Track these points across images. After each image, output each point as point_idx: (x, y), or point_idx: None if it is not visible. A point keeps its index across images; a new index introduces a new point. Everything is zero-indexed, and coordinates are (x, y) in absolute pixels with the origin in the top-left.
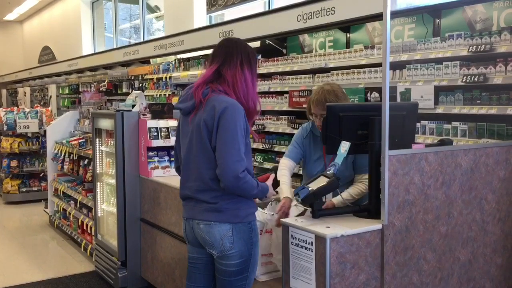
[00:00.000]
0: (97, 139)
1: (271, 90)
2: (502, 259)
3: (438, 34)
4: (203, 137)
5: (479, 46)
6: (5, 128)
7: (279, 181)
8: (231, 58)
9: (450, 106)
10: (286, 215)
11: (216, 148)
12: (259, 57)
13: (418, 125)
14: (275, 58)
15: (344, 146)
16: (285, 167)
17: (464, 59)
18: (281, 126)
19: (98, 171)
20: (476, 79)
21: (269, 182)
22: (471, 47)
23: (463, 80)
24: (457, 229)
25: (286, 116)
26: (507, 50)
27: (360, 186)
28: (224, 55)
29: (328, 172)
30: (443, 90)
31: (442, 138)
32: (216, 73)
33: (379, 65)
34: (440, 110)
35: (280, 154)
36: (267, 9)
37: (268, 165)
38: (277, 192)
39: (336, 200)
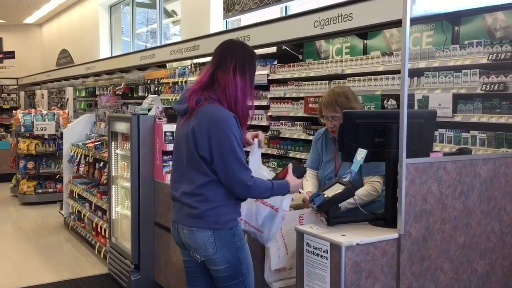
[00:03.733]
0: (113, 142)
1: (287, 95)
2: None
3: (457, 41)
4: (190, 145)
5: (499, 54)
6: (22, 129)
7: (303, 169)
8: (225, 62)
9: (469, 114)
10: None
11: (216, 163)
12: (275, 62)
13: (436, 133)
14: (291, 64)
15: (361, 154)
16: (307, 176)
17: (483, 67)
18: (296, 132)
19: (113, 174)
20: (496, 88)
21: (290, 174)
22: (491, 55)
23: (483, 89)
24: (475, 239)
25: (302, 122)
26: None
27: (367, 188)
28: (219, 57)
29: (344, 180)
30: (462, 98)
31: (461, 147)
32: (211, 76)
33: (396, 72)
34: (458, 118)
35: (295, 160)
36: (283, 14)
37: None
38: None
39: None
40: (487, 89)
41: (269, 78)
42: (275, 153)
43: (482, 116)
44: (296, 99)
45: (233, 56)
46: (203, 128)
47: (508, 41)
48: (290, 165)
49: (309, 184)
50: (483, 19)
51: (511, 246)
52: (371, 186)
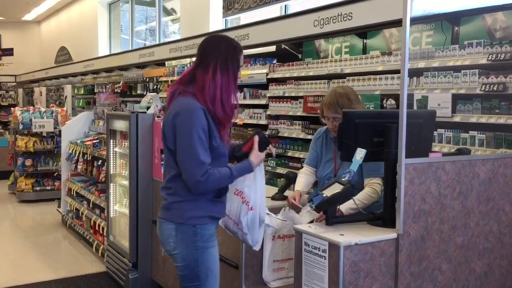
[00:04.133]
0: (111, 140)
1: (286, 95)
2: None
3: (457, 41)
4: (162, 138)
5: (499, 55)
6: (20, 127)
7: (267, 140)
8: (206, 60)
9: (468, 114)
10: (294, 205)
11: (176, 154)
12: (274, 61)
13: (435, 133)
14: (291, 63)
15: (360, 153)
16: (302, 173)
17: (483, 67)
18: (295, 131)
19: (111, 172)
20: (495, 88)
21: (255, 150)
22: (491, 55)
23: (482, 89)
24: (473, 240)
25: (300, 121)
26: None
27: (367, 191)
28: (200, 55)
29: (343, 179)
30: (461, 99)
31: (460, 147)
32: (192, 74)
33: (396, 71)
34: (457, 118)
35: (294, 159)
36: (283, 13)
37: (281, 170)
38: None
39: (344, 207)
40: (486, 89)
41: (268, 77)
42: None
43: (481, 116)
44: (295, 98)
45: (214, 54)
46: (170, 119)
47: (508, 42)
48: (256, 138)
49: (301, 181)
50: (483, 19)
51: (509, 247)
52: (371, 188)
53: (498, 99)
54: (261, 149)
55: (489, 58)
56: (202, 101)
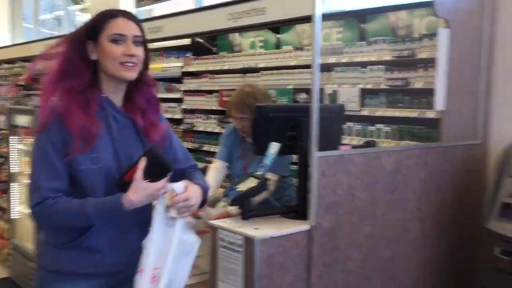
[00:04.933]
0: (13, 137)
1: (201, 88)
2: (423, 257)
3: (364, 38)
4: None
5: (402, 52)
6: None
7: (163, 164)
8: None
9: (375, 108)
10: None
11: None
12: (189, 54)
13: (344, 126)
14: (205, 57)
15: (274, 147)
16: (212, 169)
17: (388, 63)
18: (210, 125)
19: (14, 171)
20: (399, 83)
21: (137, 179)
22: (394, 52)
23: (387, 84)
24: (381, 229)
25: (216, 116)
26: (427, 56)
27: None
28: None
29: (257, 173)
30: (368, 93)
31: (367, 139)
32: None
33: (307, 66)
34: (365, 112)
35: (209, 153)
36: (196, 6)
37: (198, 165)
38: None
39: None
40: (390, 84)
41: (183, 70)
42: (189, 146)
43: (387, 110)
44: (210, 92)
45: None
46: None
47: (409, 39)
48: (142, 161)
49: (210, 182)
50: (387, 17)
51: (412, 234)
52: None
53: (402, 93)
54: (151, 176)
55: (393, 55)
56: None
